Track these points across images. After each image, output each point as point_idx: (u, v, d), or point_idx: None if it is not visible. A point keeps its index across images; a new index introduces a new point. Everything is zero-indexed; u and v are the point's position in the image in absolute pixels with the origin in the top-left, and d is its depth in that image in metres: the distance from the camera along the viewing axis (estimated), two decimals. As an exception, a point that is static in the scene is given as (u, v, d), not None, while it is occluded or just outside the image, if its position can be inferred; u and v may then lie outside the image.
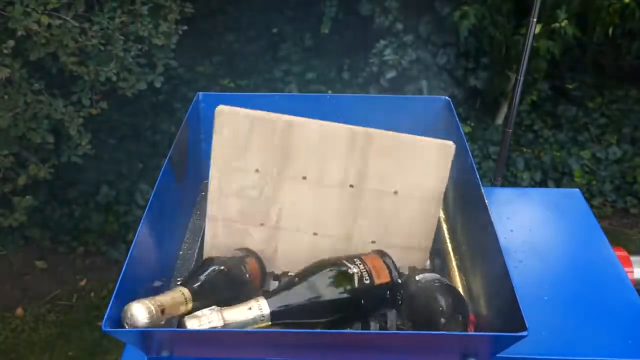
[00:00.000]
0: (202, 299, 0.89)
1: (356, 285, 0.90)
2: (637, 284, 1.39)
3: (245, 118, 1.04)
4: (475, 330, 0.96)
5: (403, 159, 1.05)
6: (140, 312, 0.81)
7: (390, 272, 0.95)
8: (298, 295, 0.88)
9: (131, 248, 0.87)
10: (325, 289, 0.89)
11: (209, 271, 0.94)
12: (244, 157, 1.06)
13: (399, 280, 0.94)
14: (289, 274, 1.06)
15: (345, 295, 0.90)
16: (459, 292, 0.99)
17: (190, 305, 0.87)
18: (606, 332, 1.07)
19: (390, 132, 1.06)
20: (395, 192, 1.07)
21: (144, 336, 0.83)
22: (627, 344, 1.04)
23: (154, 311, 0.82)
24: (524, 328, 0.74)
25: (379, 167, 1.05)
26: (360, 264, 0.94)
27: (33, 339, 2.50)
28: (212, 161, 1.07)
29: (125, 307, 0.81)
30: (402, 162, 1.05)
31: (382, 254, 0.99)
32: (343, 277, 0.91)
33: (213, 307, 0.84)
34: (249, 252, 1.06)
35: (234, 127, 1.04)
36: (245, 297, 0.89)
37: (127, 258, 0.86)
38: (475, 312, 0.98)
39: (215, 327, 0.82)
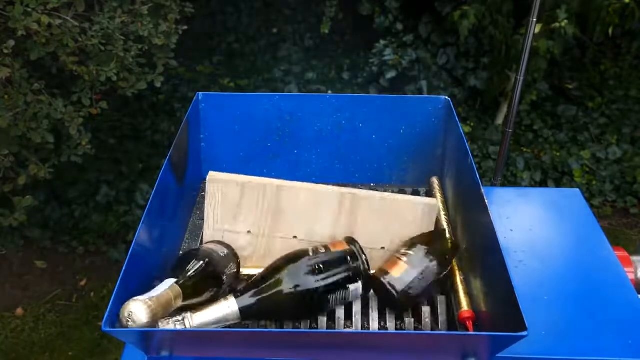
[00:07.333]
0: (189, 295, 0.90)
1: (310, 254, 0.96)
2: (637, 284, 1.39)
3: (236, 185, 1.08)
4: (474, 328, 0.96)
5: (389, 218, 1.08)
6: (140, 310, 0.81)
7: (350, 244, 0.99)
8: (264, 290, 0.92)
9: (131, 248, 0.88)
10: (289, 276, 0.93)
11: (195, 266, 0.94)
12: (236, 222, 1.10)
13: (363, 257, 0.97)
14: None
15: (304, 270, 0.93)
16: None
17: (179, 302, 0.88)
18: (606, 332, 1.07)
19: (377, 194, 1.09)
20: (383, 248, 1.10)
21: (144, 336, 0.83)
22: (627, 344, 1.04)
23: (153, 308, 0.82)
24: (524, 328, 0.74)
25: (367, 227, 1.08)
26: (319, 246, 0.99)
27: (33, 339, 2.50)
28: (205, 222, 1.11)
29: (123, 306, 0.81)
30: (388, 222, 1.08)
31: (349, 239, 1.02)
32: (302, 256, 0.96)
33: (186, 313, 0.87)
34: (227, 248, 1.06)
35: (226, 193, 1.09)
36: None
37: (127, 258, 0.86)
38: (476, 311, 0.98)
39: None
